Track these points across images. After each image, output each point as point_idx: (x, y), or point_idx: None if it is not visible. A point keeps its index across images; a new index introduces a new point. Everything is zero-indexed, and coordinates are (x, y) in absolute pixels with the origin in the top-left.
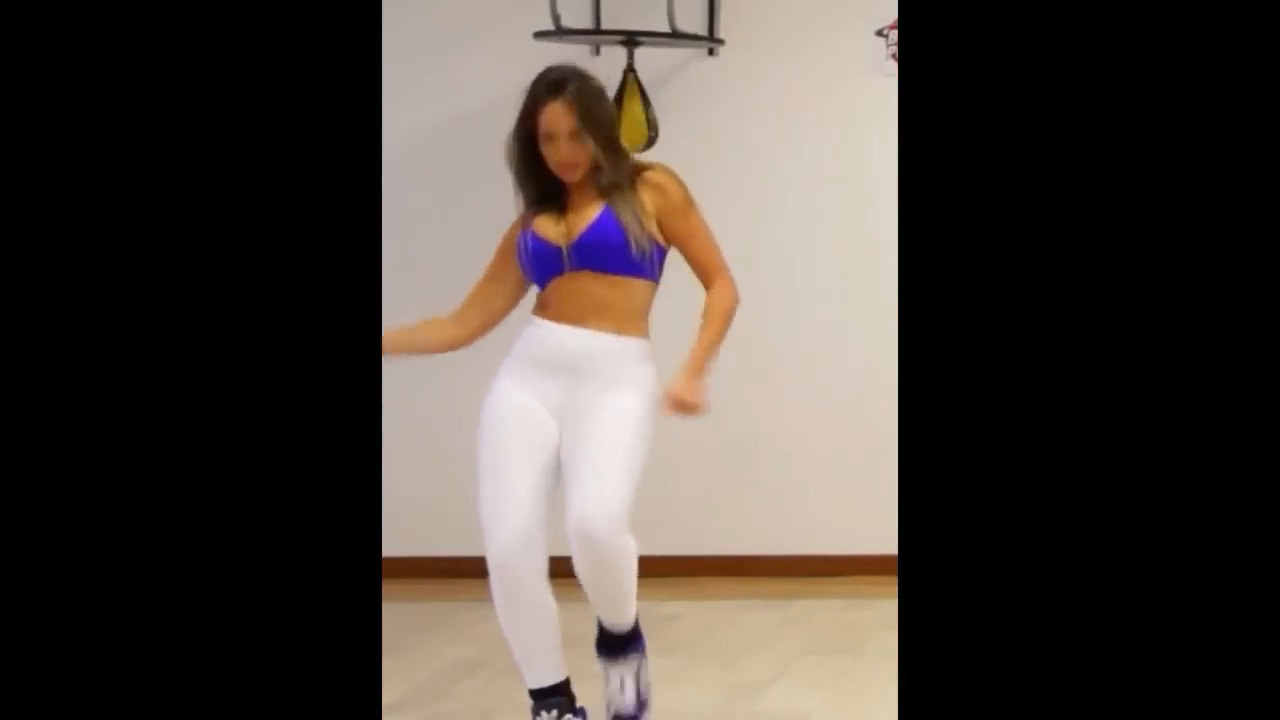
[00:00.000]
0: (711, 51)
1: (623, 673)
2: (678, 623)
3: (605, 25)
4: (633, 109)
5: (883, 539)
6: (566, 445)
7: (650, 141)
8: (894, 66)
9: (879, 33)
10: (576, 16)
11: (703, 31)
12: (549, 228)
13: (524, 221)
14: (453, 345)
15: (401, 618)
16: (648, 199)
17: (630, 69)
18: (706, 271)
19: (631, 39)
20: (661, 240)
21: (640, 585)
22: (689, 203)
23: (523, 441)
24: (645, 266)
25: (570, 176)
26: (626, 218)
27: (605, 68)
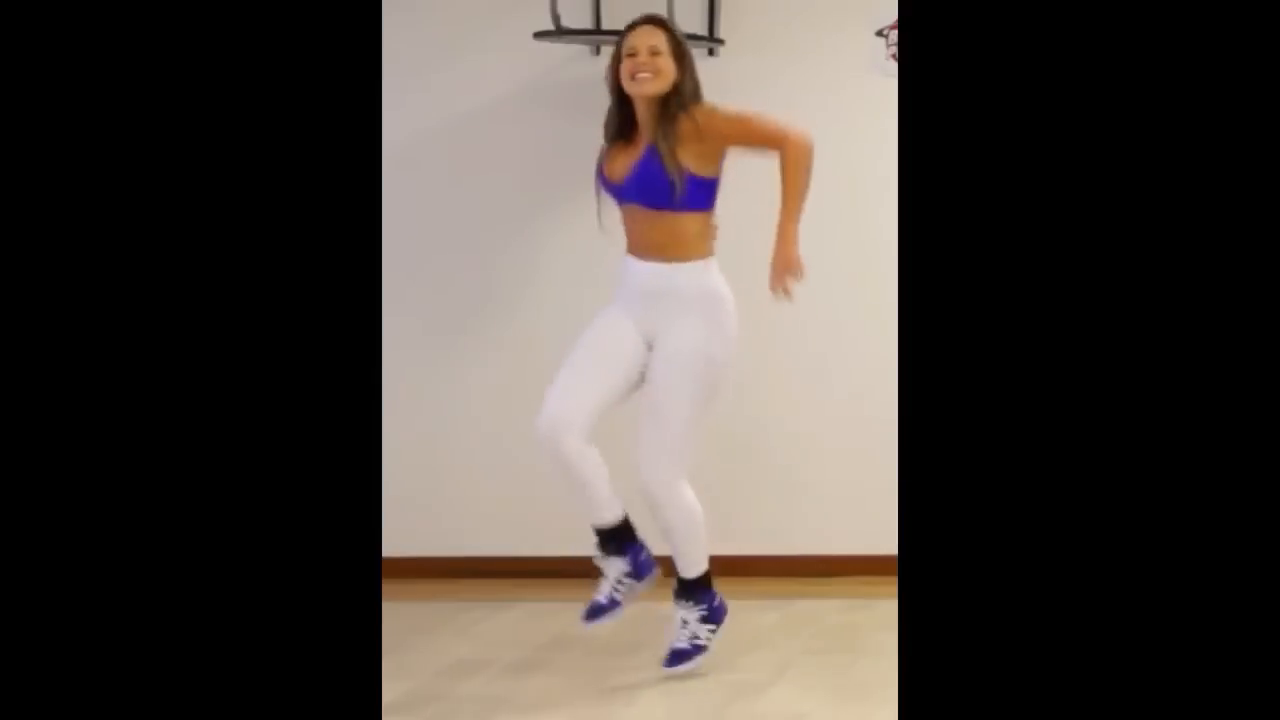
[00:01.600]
0: (712, 51)
1: (684, 614)
2: None
3: (605, 25)
4: None
5: (883, 539)
6: (647, 378)
7: None
8: (894, 66)
9: (879, 33)
10: (577, 16)
11: (703, 32)
12: (611, 164)
13: (600, 154)
14: None
15: (401, 618)
16: (684, 134)
17: None
18: (770, 143)
19: None
20: (702, 172)
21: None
22: (724, 115)
23: (601, 349)
24: (687, 200)
25: (636, 88)
26: (665, 159)
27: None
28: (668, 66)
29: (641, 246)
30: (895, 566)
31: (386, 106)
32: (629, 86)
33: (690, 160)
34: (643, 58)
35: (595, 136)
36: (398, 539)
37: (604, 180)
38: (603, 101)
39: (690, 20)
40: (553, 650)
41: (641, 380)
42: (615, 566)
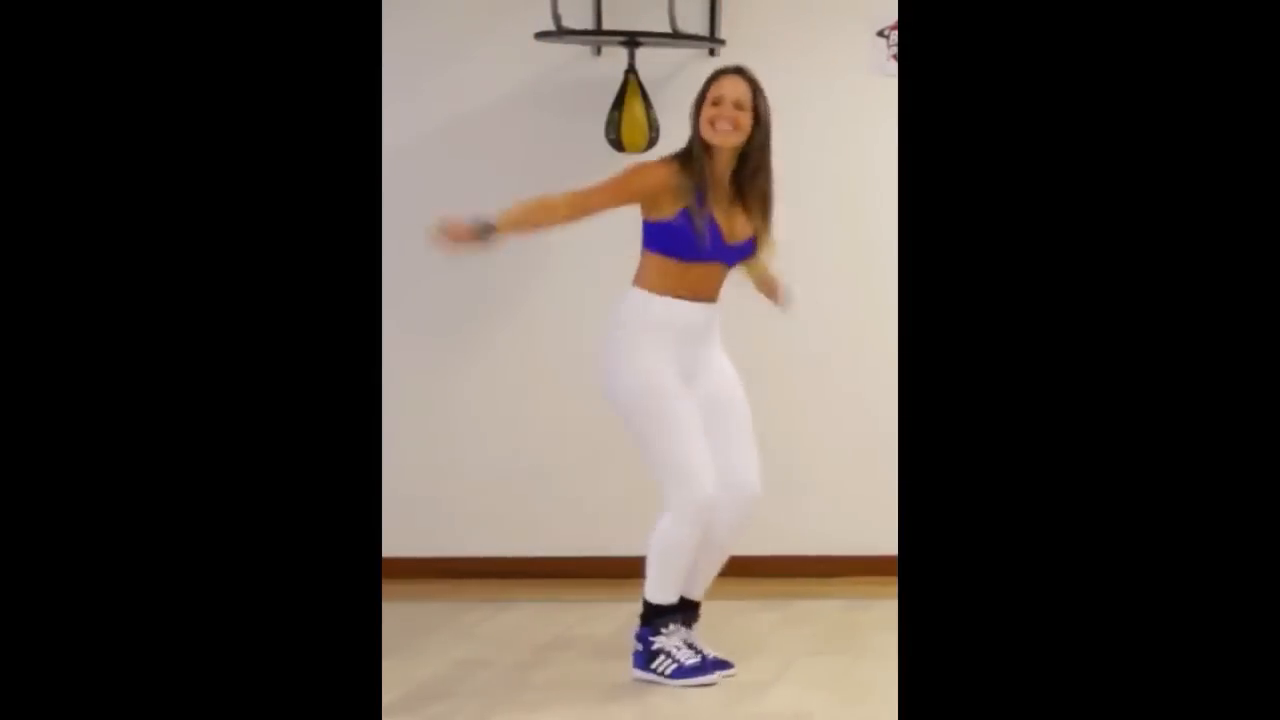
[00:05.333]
0: (712, 52)
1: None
2: None
3: (606, 26)
4: (634, 110)
5: (883, 539)
6: (709, 403)
7: (651, 142)
8: (894, 66)
9: (879, 33)
10: (577, 17)
11: (704, 32)
12: (728, 224)
13: (697, 203)
14: (566, 222)
15: (402, 618)
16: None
17: (631, 69)
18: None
19: (632, 39)
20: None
21: (640, 585)
22: None
23: (691, 406)
24: None
25: (717, 136)
26: (762, 235)
27: (606, 68)
28: (747, 123)
29: (702, 293)
30: (895, 566)
31: (387, 106)
32: (706, 132)
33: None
34: (727, 109)
35: (596, 136)
36: (398, 539)
37: (718, 241)
38: (602, 101)
39: (690, 20)
40: (553, 650)
41: None
42: (680, 634)
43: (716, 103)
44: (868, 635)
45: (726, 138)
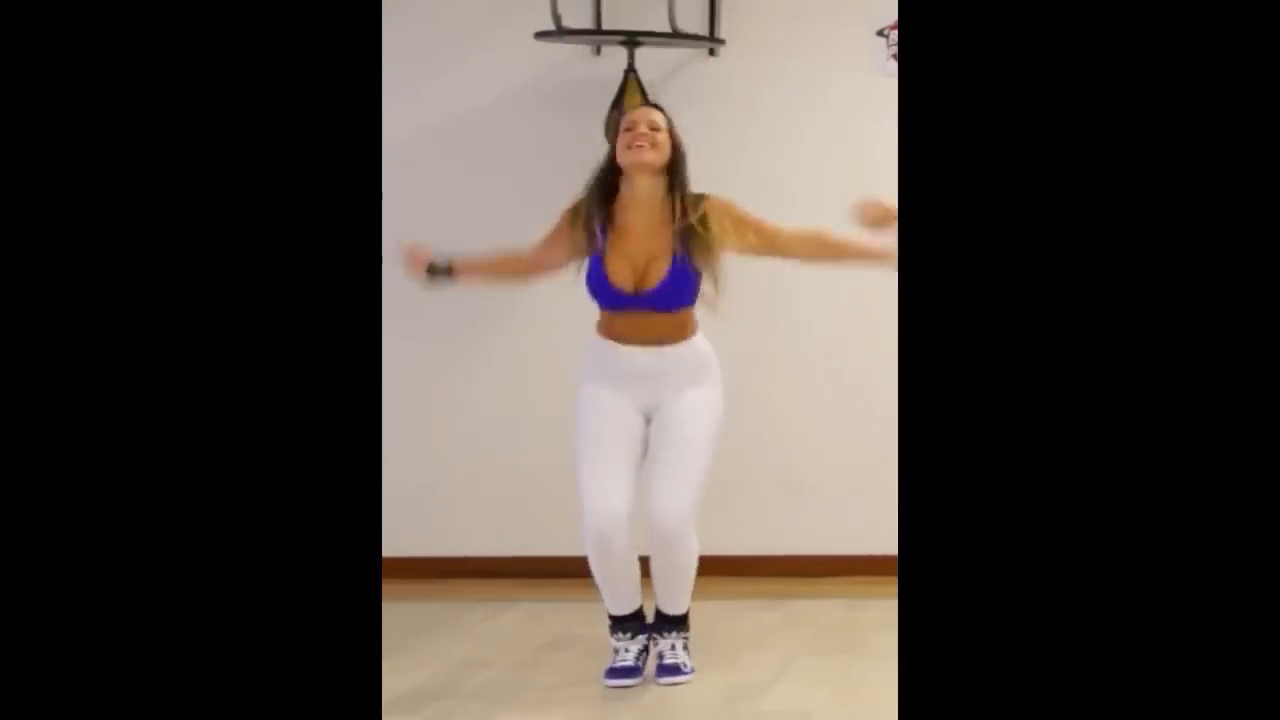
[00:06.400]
0: (712, 52)
1: (674, 640)
2: None
3: (606, 25)
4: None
5: (883, 539)
6: (653, 438)
7: None
8: (894, 66)
9: (879, 33)
10: (577, 17)
11: (703, 32)
12: (619, 270)
13: (591, 241)
14: (526, 271)
15: (401, 618)
16: (728, 225)
17: (631, 69)
18: (772, 231)
19: (632, 39)
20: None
21: (641, 586)
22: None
23: (614, 429)
24: (693, 296)
25: (634, 155)
26: (706, 263)
27: (606, 68)
28: (664, 143)
29: (636, 338)
30: (895, 566)
31: (387, 106)
32: (623, 157)
33: (726, 253)
34: (641, 130)
35: (596, 136)
36: (398, 539)
37: (602, 284)
38: (602, 101)
39: (690, 20)
40: (553, 650)
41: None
42: (637, 643)
43: (629, 128)
44: (867, 635)
45: (640, 154)
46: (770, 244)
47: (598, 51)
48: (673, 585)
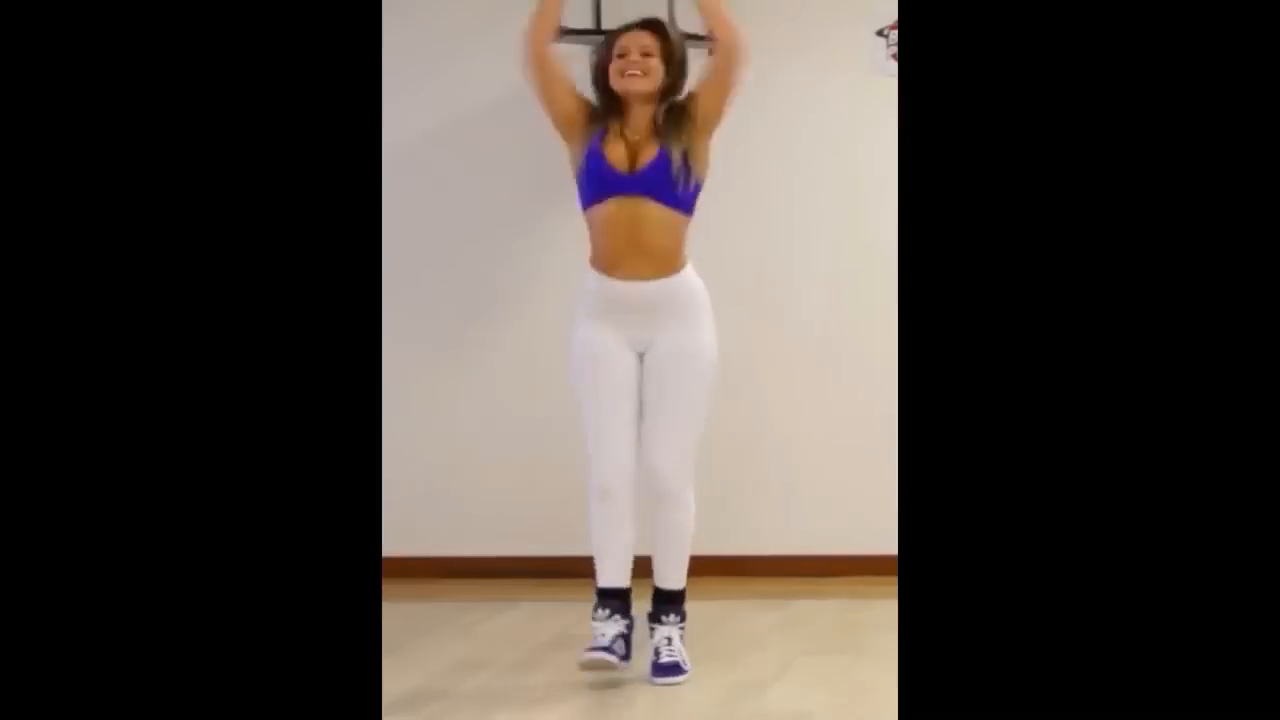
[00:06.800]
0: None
1: (670, 632)
2: None
3: (605, 25)
4: None
5: (883, 539)
6: (648, 386)
7: None
8: (894, 66)
9: (879, 33)
10: (577, 16)
11: (703, 31)
12: (614, 152)
13: (587, 135)
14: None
15: (401, 618)
16: (690, 110)
17: None
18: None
19: None
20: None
21: (641, 585)
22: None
23: (612, 381)
24: (689, 198)
25: (626, 83)
26: (676, 155)
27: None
28: (657, 68)
29: (627, 259)
30: (895, 566)
31: (387, 107)
32: (616, 83)
33: (697, 155)
34: (634, 57)
35: None
36: (398, 539)
37: (600, 165)
38: None
39: (691, 20)
40: (553, 650)
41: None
42: (615, 625)
43: (622, 54)
44: (868, 635)
45: (633, 83)
46: (707, 27)
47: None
48: (672, 547)
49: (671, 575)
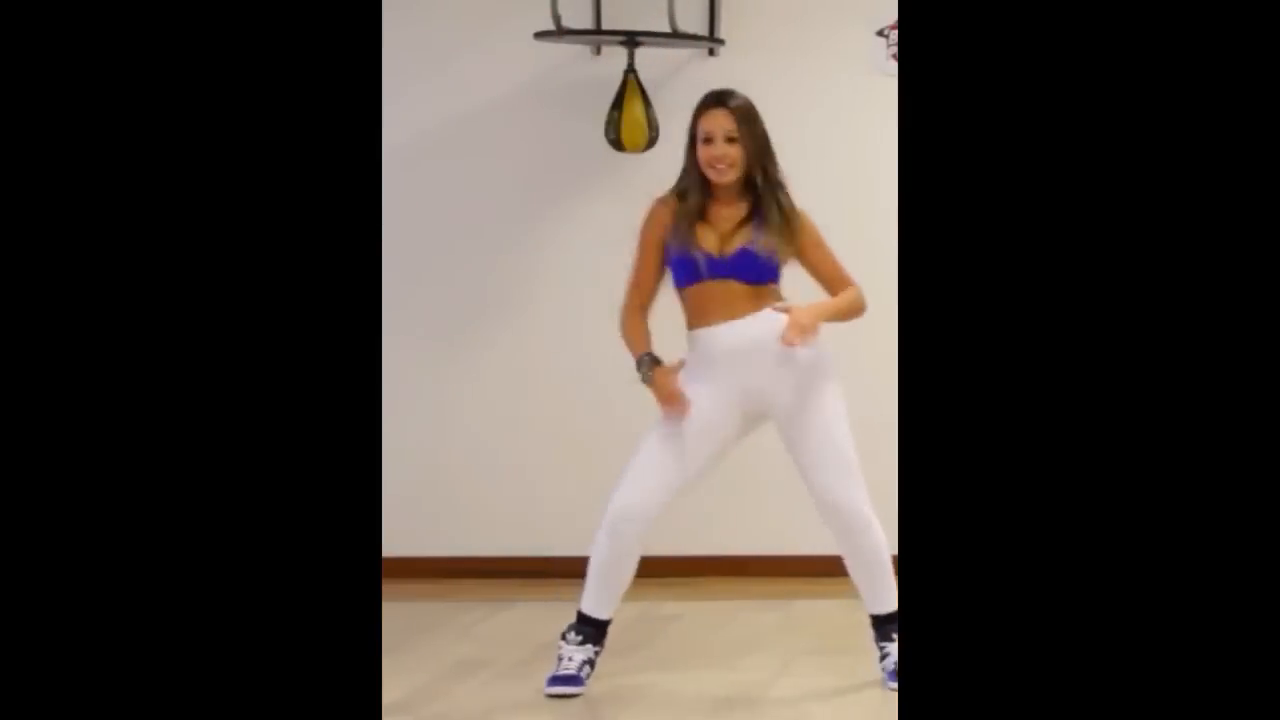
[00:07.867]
0: (712, 52)
1: (890, 648)
2: (678, 623)
3: (606, 25)
4: (633, 110)
5: None
6: (797, 447)
7: (651, 142)
8: (894, 66)
9: (879, 33)
10: (577, 17)
11: (703, 32)
12: (706, 238)
13: (677, 227)
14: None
15: (401, 618)
16: (792, 231)
17: (631, 69)
18: (835, 282)
19: (632, 39)
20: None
21: (640, 585)
22: (813, 236)
23: (689, 445)
24: (771, 272)
25: (717, 175)
26: (770, 241)
27: (605, 68)
28: (739, 157)
29: (723, 314)
30: (894, 567)
31: (387, 106)
32: (707, 172)
33: (786, 251)
34: (719, 147)
35: (596, 136)
36: (398, 539)
37: (691, 260)
38: (602, 101)
39: (690, 20)
40: (553, 650)
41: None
42: (584, 652)
43: (708, 140)
44: (868, 635)
45: (723, 175)
46: (814, 274)
47: (598, 52)
48: (875, 573)
49: (884, 598)
